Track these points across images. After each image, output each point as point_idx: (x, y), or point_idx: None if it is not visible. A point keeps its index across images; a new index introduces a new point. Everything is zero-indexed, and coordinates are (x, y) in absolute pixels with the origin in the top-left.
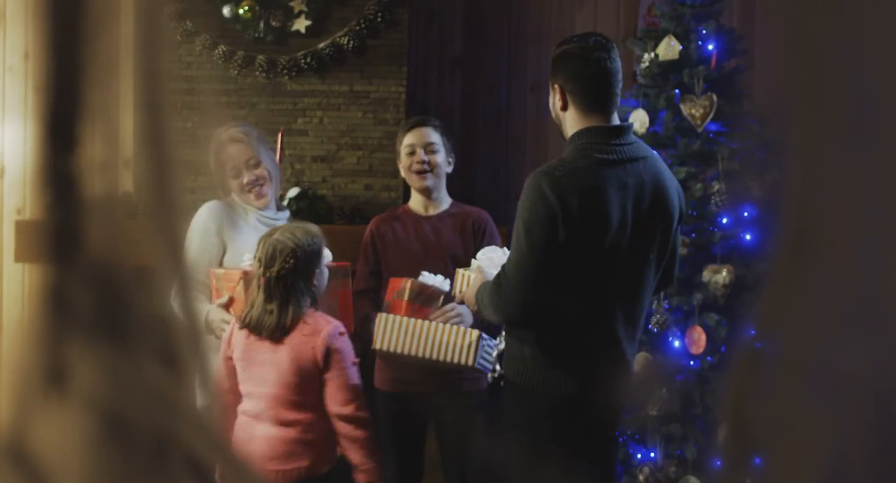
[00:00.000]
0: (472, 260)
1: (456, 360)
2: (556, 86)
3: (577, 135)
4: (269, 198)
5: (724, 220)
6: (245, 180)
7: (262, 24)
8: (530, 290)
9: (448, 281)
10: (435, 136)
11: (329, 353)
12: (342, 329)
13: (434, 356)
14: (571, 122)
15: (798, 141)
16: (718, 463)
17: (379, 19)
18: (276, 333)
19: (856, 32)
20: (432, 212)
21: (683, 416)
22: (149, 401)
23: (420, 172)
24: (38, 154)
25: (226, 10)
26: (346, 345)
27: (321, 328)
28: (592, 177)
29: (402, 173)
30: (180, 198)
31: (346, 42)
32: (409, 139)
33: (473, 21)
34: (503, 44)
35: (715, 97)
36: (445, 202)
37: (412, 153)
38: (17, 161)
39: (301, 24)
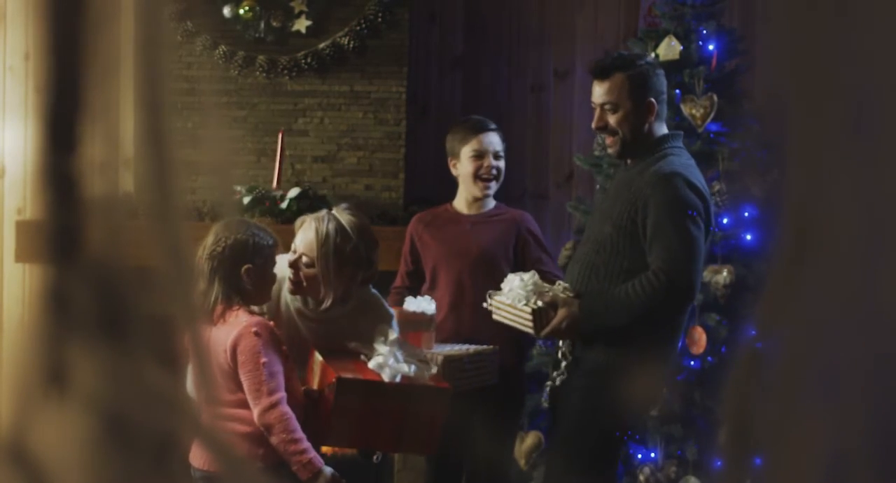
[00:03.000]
0: (502, 298)
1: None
2: (649, 100)
3: (669, 136)
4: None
5: (725, 220)
6: (289, 279)
7: (262, 25)
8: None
9: (433, 302)
10: (500, 143)
11: (235, 352)
12: (256, 328)
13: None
14: (655, 129)
15: (798, 141)
16: (718, 463)
17: (379, 19)
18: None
19: (856, 32)
20: (474, 211)
21: (683, 416)
22: (149, 401)
23: (487, 180)
24: (39, 154)
25: (226, 11)
26: (254, 343)
27: (235, 327)
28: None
29: (458, 174)
30: (180, 198)
31: (346, 42)
32: (476, 144)
33: (474, 21)
34: (503, 44)
35: (715, 97)
36: (490, 204)
37: (480, 158)
38: (17, 161)
39: (301, 24)
